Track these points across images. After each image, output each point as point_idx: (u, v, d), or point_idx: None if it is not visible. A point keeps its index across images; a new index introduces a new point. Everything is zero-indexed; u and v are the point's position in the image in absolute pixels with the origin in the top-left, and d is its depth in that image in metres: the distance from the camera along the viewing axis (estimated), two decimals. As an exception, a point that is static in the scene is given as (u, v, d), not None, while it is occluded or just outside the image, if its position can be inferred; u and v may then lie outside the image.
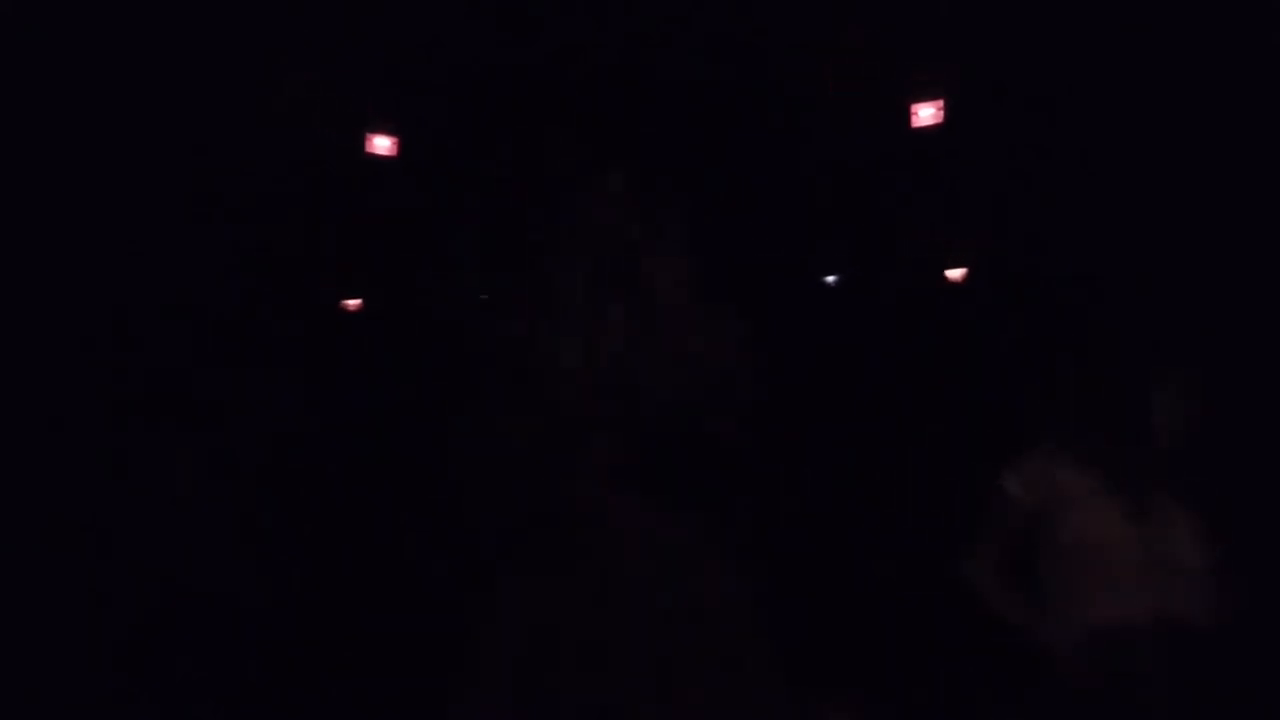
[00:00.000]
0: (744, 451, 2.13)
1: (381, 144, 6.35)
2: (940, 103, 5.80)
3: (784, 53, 5.52)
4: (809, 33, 5.46)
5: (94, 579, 3.86)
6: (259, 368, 4.82)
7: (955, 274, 6.13)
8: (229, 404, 4.49)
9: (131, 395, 4.40)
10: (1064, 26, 5.11)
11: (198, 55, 4.95)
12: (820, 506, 5.10)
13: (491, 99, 5.91)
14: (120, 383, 4.37)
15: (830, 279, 6.24)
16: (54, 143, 4.46)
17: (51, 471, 3.97)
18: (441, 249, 6.27)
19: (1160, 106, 5.06)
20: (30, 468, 3.97)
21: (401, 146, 6.35)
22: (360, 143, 6.25)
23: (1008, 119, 5.53)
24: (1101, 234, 5.17)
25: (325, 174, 6.06)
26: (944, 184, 5.78)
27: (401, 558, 4.92)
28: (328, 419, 5.22)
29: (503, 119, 5.97)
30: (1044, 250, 5.47)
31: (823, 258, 6.26)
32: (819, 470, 5.18)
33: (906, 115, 5.81)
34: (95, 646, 3.74)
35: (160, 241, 4.94)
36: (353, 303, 6.63)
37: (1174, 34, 4.88)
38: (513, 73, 5.79)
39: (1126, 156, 5.16)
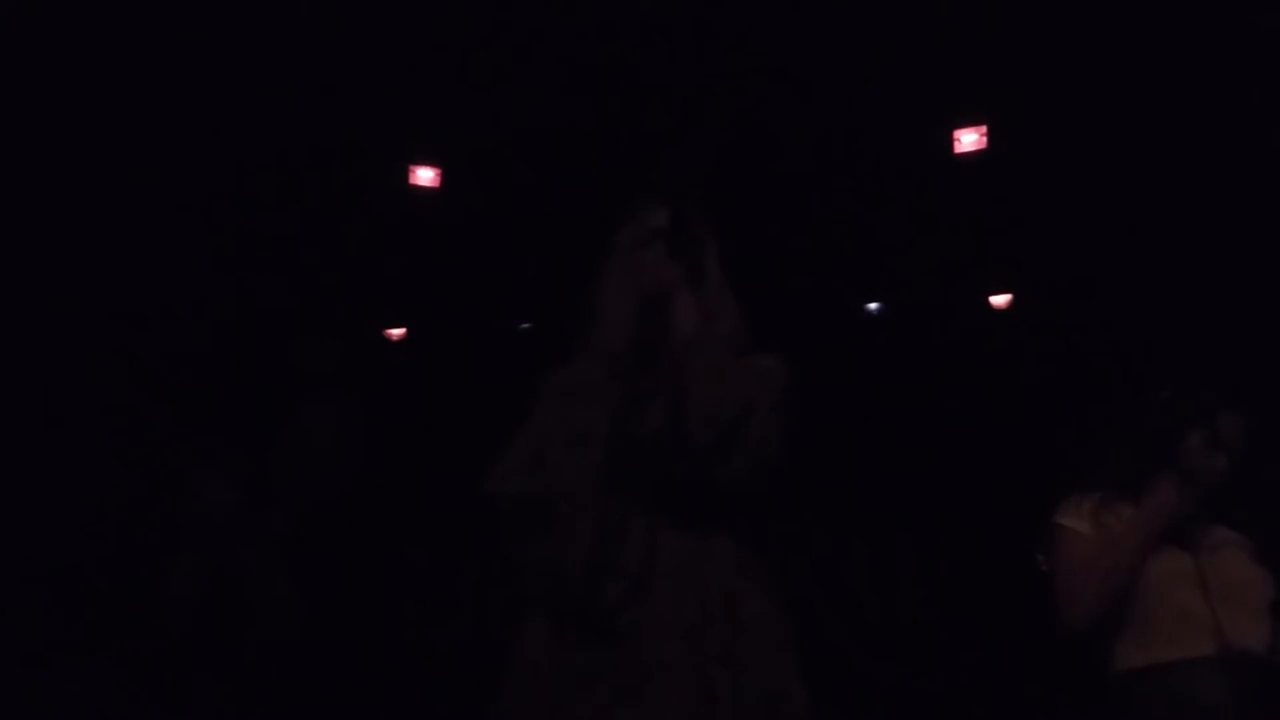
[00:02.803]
0: (784, 486, 2.11)
1: (425, 175, 6.40)
2: (984, 128, 5.78)
3: (821, 75, 5.51)
4: (848, 56, 5.45)
5: (135, 596, 3.91)
6: (303, 393, 4.85)
7: (999, 300, 6.09)
8: (273, 429, 4.53)
9: (177, 418, 4.45)
10: (1113, 50, 5.08)
11: (239, 85, 5.02)
12: (862, 539, 5.07)
13: (534, 130, 5.94)
14: (166, 405, 4.42)
15: (873, 306, 6.20)
16: (100, 166, 4.54)
17: (95, 491, 4.03)
18: (483, 280, 6.30)
19: (1209, 134, 5.02)
20: (74, 484, 4.03)
21: (444, 178, 6.39)
22: (404, 174, 6.31)
23: (1052, 145, 5.49)
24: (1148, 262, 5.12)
25: (369, 204, 6.10)
26: (987, 210, 5.73)
27: (441, 583, 4.92)
28: (370, 445, 5.23)
29: (546, 149, 5.99)
30: (1088, 279, 5.42)
31: (862, 286, 6.23)
32: (859, 504, 5.14)
33: (949, 141, 5.79)
34: (133, 655, 3.78)
35: (206, 268, 5.00)
36: (396, 331, 6.66)
37: (1227, 61, 4.84)
38: (557, 103, 5.81)
39: (1173, 185, 5.11)
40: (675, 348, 2.12)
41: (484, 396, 5.13)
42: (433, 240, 6.31)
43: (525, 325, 6.51)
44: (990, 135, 5.73)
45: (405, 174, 6.33)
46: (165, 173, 4.73)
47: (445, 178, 6.39)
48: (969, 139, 5.77)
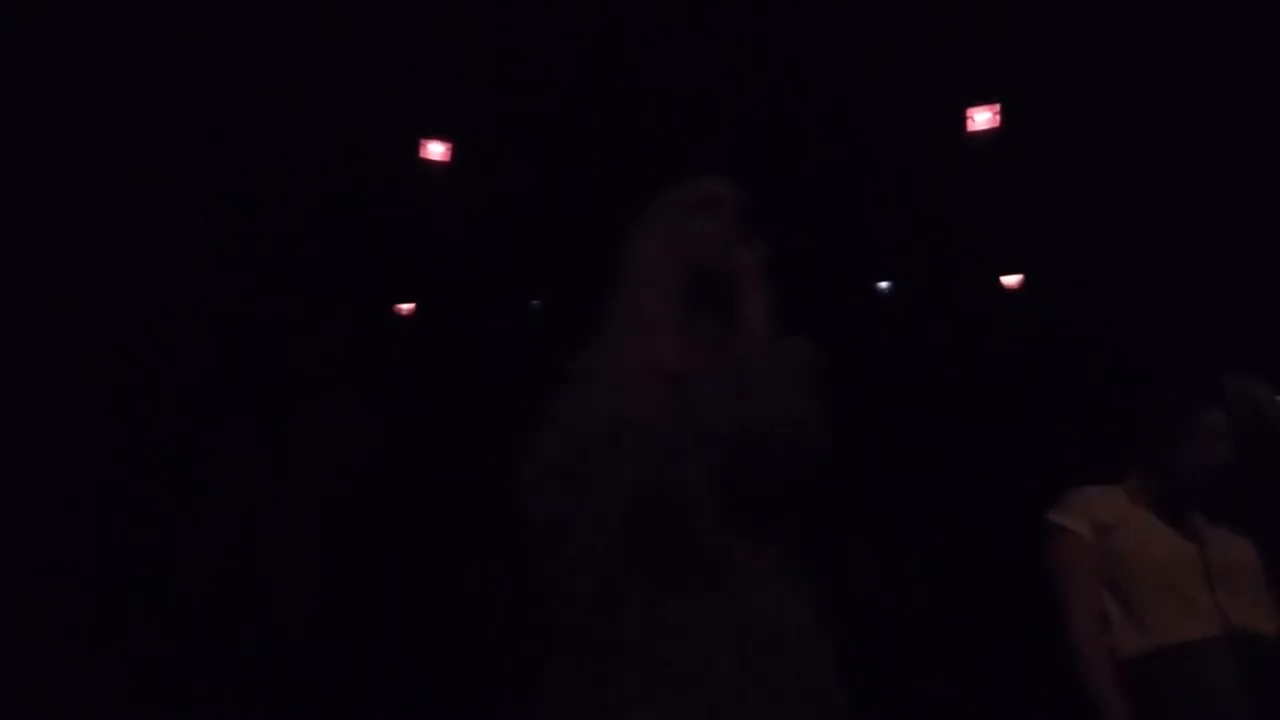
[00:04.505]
0: (817, 475, 2.05)
1: (436, 149, 6.37)
2: (996, 107, 5.72)
3: (834, 54, 5.46)
4: (861, 34, 5.39)
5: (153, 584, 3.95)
6: (313, 374, 4.85)
7: (1010, 280, 6.05)
8: (285, 410, 4.54)
9: (188, 401, 4.48)
10: (1128, 29, 5.01)
11: (249, 62, 5.00)
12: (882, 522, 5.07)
13: (550, 106, 5.91)
14: (175, 389, 4.45)
15: (883, 285, 6.16)
16: (105, 150, 4.54)
17: (96, 491, 4.06)
18: (497, 257, 6.28)
19: (1227, 115, 4.95)
20: (75, 483, 4.07)
21: (456, 152, 6.36)
22: (414, 148, 6.28)
23: (1065, 124, 5.43)
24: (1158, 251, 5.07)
25: (380, 179, 6.08)
26: (1000, 189, 5.68)
27: (468, 573, 4.95)
28: (380, 425, 5.24)
29: (561, 126, 5.96)
30: (1101, 259, 5.37)
31: (873, 265, 6.19)
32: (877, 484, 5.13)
33: (961, 120, 5.74)
34: (133, 655, 3.83)
35: (212, 249, 5.00)
36: (405, 306, 6.64)
37: (1239, 44, 4.77)
38: (569, 81, 5.78)
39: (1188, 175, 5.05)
40: (742, 339, 2.01)
41: (491, 386, 5.14)
42: (444, 214, 6.29)
43: (535, 302, 6.47)
44: (1003, 114, 5.68)
45: (415, 148, 6.31)
46: (167, 169, 4.73)
47: (456, 152, 6.36)
48: (982, 117, 5.73)
